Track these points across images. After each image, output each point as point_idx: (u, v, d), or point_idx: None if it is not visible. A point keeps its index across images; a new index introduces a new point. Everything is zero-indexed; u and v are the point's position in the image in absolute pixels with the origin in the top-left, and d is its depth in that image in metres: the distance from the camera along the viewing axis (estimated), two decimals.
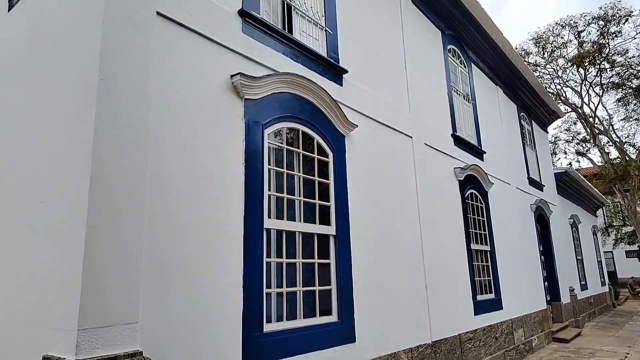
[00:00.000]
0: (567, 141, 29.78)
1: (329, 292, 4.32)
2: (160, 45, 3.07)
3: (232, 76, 3.54)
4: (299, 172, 4.25)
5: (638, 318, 14.18)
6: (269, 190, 3.83)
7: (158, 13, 3.06)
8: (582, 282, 14.77)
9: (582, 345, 9.46)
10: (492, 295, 7.73)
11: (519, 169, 10.69)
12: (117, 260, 2.55)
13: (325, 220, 4.41)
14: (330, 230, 4.41)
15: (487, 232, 8.06)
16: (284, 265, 3.90)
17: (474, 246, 7.48)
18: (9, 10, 3.95)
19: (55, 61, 3.17)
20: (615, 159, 27.75)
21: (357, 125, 4.91)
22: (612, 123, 28.17)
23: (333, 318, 4.24)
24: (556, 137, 29.75)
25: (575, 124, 29.20)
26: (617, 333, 11.10)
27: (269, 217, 3.79)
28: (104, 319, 2.44)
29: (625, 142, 27.45)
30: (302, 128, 4.28)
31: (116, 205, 2.59)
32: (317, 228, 4.27)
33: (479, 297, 7.23)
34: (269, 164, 3.86)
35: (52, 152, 2.96)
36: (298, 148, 4.25)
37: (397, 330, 5.01)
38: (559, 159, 30.09)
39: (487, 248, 7.97)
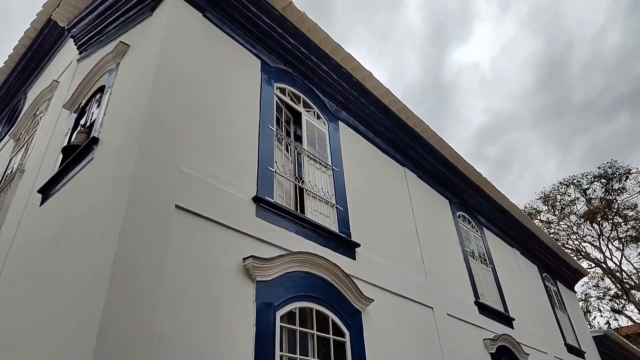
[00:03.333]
0: (599, 298, 28.20)
1: None
2: (177, 234, 3.22)
3: (244, 259, 3.61)
4: (314, 358, 3.97)
5: None
6: None
7: (177, 206, 3.29)
8: None
9: None
10: None
11: (554, 335, 9.90)
12: None
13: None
14: None
15: None
16: None
17: None
18: (40, 204, 4.29)
19: (74, 257, 3.29)
20: None
21: (373, 300, 4.76)
22: None
23: None
24: (586, 294, 28.27)
25: (602, 279, 28.06)
26: None
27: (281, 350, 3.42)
28: None
29: None
30: (315, 307, 4.15)
31: None
32: None
33: None
34: (281, 350, 3.64)
35: (55, 350, 2.86)
36: (312, 329, 4.06)
37: None
38: (594, 317, 28.11)
39: None
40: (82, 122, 4.69)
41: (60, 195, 4.09)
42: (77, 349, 2.60)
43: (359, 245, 5.12)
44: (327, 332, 4.17)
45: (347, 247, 4.99)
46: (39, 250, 3.85)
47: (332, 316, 4.28)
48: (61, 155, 4.42)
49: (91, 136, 3.97)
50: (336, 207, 5.19)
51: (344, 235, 5.00)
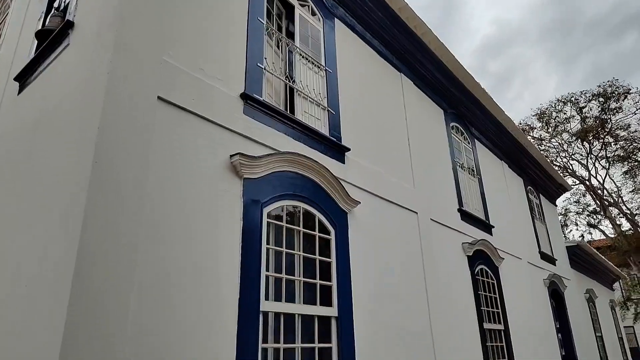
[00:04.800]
0: (577, 213, 29.46)
1: None
2: (160, 127, 3.13)
3: (231, 156, 3.57)
4: (299, 251, 4.14)
5: None
6: (267, 270, 3.71)
7: (159, 98, 3.15)
8: None
9: None
10: None
11: (530, 243, 10.44)
12: (99, 351, 2.40)
13: (326, 301, 4.22)
14: (332, 311, 4.20)
15: (500, 310, 7.68)
16: (281, 351, 3.67)
17: (486, 325, 7.09)
18: (18, 93, 4.12)
19: (54, 146, 3.22)
20: (627, 230, 27.24)
21: (360, 202, 4.86)
22: (621, 195, 28.01)
23: None
24: (566, 209, 29.48)
25: (584, 195, 29.06)
26: None
27: (267, 299, 3.63)
28: None
29: (636, 214, 27.08)
30: (303, 206, 4.24)
31: (101, 298, 2.48)
32: (318, 310, 4.08)
33: None
34: (268, 243, 3.76)
35: (40, 241, 2.90)
36: (299, 226, 4.18)
37: None
38: (570, 230, 29.58)
39: (501, 327, 7.55)
40: (55, 4, 4.33)
41: (37, 83, 3.90)
42: (61, 237, 2.64)
43: (349, 149, 5.09)
44: (313, 229, 4.30)
45: (337, 150, 4.97)
46: (18, 139, 3.77)
47: (318, 215, 4.38)
48: (36, 41, 4.14)
49: (65, 19, 3.68)
50: (328, 110, 5.06)
51: (334, 139, 4.94)
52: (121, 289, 2.57)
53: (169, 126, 3.21)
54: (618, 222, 27.35)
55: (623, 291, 29.65)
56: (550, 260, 11.42)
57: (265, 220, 3.75)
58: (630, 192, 27.14)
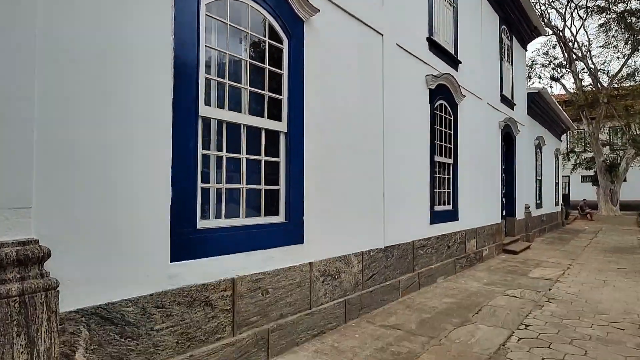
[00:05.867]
0: (543, 65, 29.40)
1: (277, 192, 4.02)
2: None
3: None
4: (246, 57, 3.72)
5: (583, 235, 14.98)
6: (207, 73, 3.32)
7: None
8: (538, 201, 15.29)
9: (530, 257, 9.90)
10: (449, 207, 7.74)
11: (493, 85, 10.33)
12: None
13: (275, 115, 3.98)
14: (281, 126, 4.00)
15: (452, 146, 7.87)
16: (224, 159, 3.52)
17: (437, 158, 7.30)
18: None
19: None
20: (587, 85, 27.81)
21: (319, 10, 4.30)
22: (591, 49, 27.81)
23: (280, 219, 4.00)
24: (533, 61, 29.30)
25: (554, 47, 28.67)
26: (563, 247, 11.67)
27: (207, 104, 3.32)
28: None
29: (600, 69, 27.35)
30: (251, 3, 3.67)
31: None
32: (265, 123, 3.85)
33: (437, 208, 7.21)
34: (207, 42, 3.30)
35: None
36: (246, 28, 3.68)
37: (349, 234, 4.87)
38: (533, 83, 29.84)
39: (451, 161, 7.83)
40: None
41: None
42: None
43: None
44: (263, 35, 3.82)
45: None
46: None
47: (270, 18, 3.86)
48: None
49: None
50: None
51: None
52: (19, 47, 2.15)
53: None
54: (580, 77, 27.69)
55: (569, 143, 31.80)
56: (509, 104, 11.53)
57: (203, 12, 3.22)
58: (599, 46, 26.95)
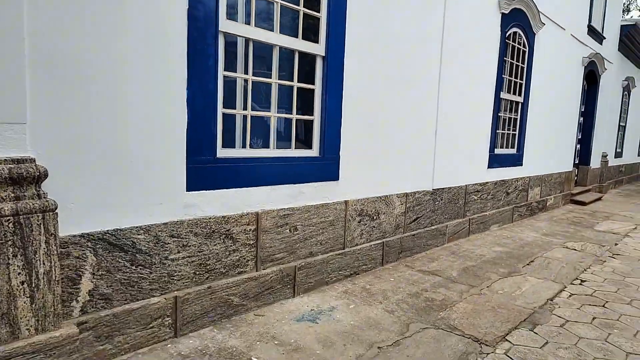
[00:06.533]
0: None
1: (311, 123, 3.68)
2: None
3: None
4: None
5: None
6: None
7: None
8: (618, 150, 13.79)
9: (600, 208, 8.99)
10: (513, 150, 7.02)
11: (580, 13, 8.94)
12: None
13: (311, 36, 3.54)
14: (319, 49, 3.56)
15: (523, 82, 6.98)
16: (250, 83, 3.19)
17: (503, 95, 6.52)
18: None
19: None
20: None
21: None
22: None
23: (313, 152, 3.68)
24: None
25: None
26: None
27: (229, 17, 2.95)
28: None
29: None
30: None
31: None
32: (299, 44, 3.44)
33: (497, 151, 6.55)
34: None
35: None
36: None
37: (393, 173, 4.48)
38: (632, 16, 26.11)
39: (520, 99, 6.99)
40: None
41: None
42: None
43: None
44: None
45: None
46: None
47: None
48: None
49: None
50: None
51: None
52: None
53: None
54: None
55: None
56: (598, 37, 10.03)
57: None
58: None
